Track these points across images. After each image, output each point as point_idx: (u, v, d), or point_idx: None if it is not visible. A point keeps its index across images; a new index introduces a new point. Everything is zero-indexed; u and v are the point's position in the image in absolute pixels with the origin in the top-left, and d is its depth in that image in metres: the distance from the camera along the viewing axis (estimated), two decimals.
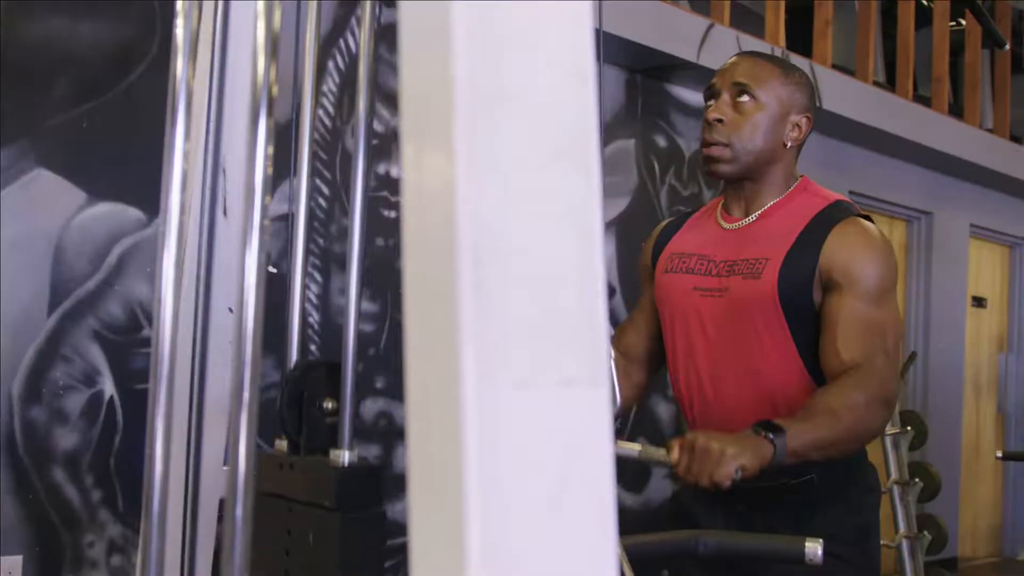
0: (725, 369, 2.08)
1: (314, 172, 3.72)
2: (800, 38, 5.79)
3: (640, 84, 4.83)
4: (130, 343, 3.25)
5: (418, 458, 0.60)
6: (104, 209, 3.21)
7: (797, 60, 5.18)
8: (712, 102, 2.13)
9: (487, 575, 0.56)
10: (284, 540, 1.17)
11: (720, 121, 2.08)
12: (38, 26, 3.10)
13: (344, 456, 1.14)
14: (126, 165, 3.21)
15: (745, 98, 2.08)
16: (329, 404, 1.23)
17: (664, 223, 2.37)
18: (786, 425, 1.82)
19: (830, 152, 5.86)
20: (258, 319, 0.85)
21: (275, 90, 0.88)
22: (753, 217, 2.13)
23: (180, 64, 1.00)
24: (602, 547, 0.60)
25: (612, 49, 4.44)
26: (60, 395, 3.12)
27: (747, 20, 5.59)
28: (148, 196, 3.20)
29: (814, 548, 1.35)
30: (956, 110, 6.86)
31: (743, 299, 2.05)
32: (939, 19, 6.41)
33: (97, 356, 3.20)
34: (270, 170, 0.87)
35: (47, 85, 3.13)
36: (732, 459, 1.73)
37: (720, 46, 4.67)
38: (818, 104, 5.22)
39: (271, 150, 0.88)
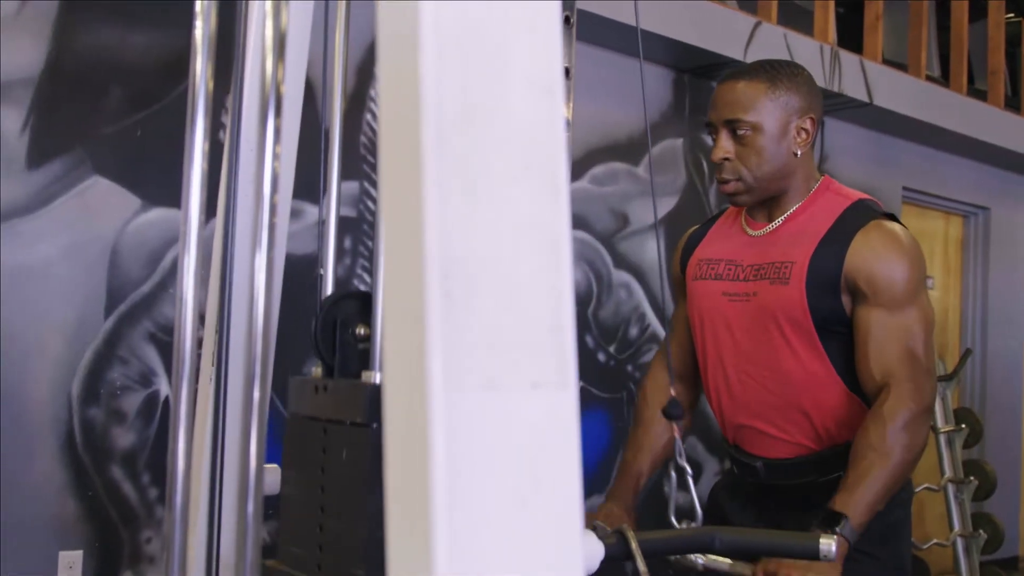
0: (753, 373, 2.10)
1: (363, 176, 3.78)
2: (851, 34, 5.75)
3: (687, 83, 4.83)
4: None
5: (393, 458, 0.64)
6: (158, 214, 3.30)
7: (847, 56, 5.15)
8: (713, 138, 2.13)
9: (454, 571, 0.59)
10: (319, 459, 1.21)
11: (727, 159, 2.09)
12: (92, 36, 3.20)
13: (376, 376, 1.18)
14: (179, 171, 3.28)
15: (741, 129, 2.07)
16: (361, 330, 1.28)
17: (689, 232, 2.38)
18: (844, 504, 1.90)
19: (884, 148, 5.81)
20: (269, 318, 0.89)
21: (283, 89, 0.92)
22: (778, 222, 2.14)
23: (199, 65, 1.03)
24: (568, 545, 0.64)
25: (659, 48, 4.45)
26: (117, 395, 3.21)
27: (796, 17, 5.56)
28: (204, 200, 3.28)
29: (828, 544, 1.36)
30: (1014, 104, 6.75)
31: (771, 304, 2.06)
32: (994, 11, 6.32)
33: (153, 357, 3.29)
34: (278, 169, 0.91)
35: (102, 94, 3.22)
36: None
37: (767, 44, 4.66)
38: (870, 101, 5.18)
39: (279, 149, 0.92)
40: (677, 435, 1.85)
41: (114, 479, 3.20)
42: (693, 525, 1.76)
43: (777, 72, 2.11)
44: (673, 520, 1.85)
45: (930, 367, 2.03)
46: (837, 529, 1.86)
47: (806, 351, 2.04)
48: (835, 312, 2.02)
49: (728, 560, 1.87)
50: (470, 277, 0.63)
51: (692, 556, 1.85)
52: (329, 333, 1.28)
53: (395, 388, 0.65)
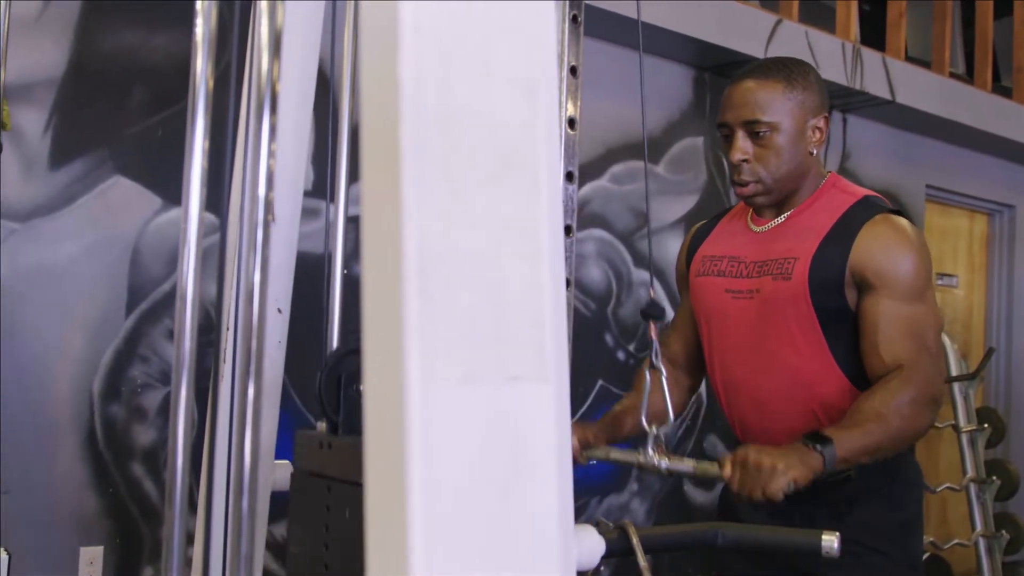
0: (759, 369, 2.10)
1: None
2: (874, 31, 5.71)
3: (708, 81, 4.82)
4: (205, 343, 3.36)
5: (371, 451, 0.65)
6: (179, 214, 3.32)
7: (870, 53, 5.12)
8: (730, 139, 2.11)
9: (430, 562, 0.60)
10: (323, 516, 1.21)
11: (745, 161, 2.08)
12: (114, 37, 3.23)
13: None
14: None
15: (760, 130, 2.05)
16: None
17: (695, 227, 2.39)
18: (833, 434, 1.87)
19: (907, 146, 5.78)
20: (263, 316, 0.90)
21: (279, 87, 0.93)
22: (782, 218, 2.14)
23: (200, 63, 1.03)
24: (548, 537, 0.64)
25: (679, 46, 4.45)
26: (138, 393, 3.24)
27: (818, 14, 5.54)
28: (215, 200, 3.30)
29: (830, 541, 1.36)
30: None
31: (775, 300, 2.05)
32: (1020, 8, 6.26)
33: (173, 355, 3.32)
34: (274, 167, 0.92)
35: (123, 95, 3.25)
36: (783, 473, 1.79)
37: (789, 42, 4.65)
38: (893, 99, 5.16)
39: (275, 147, 0.93)
40: (653, 335, 1.84)
41: (135, 476, 3.23)
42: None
43: (791, 71, 2.10)
44: (644, 422, 1.85)
45: (940, 364, 2.02)
46: (819, 447, 1.84)
47: (810, 348, 2.04)
48: (839, 308, 2.01)
49: (692, 461, 1.86)
50: (448, 273, 0.64)
51: (656, 460, 1.83)
52: (333, 389, 1.28)
53: (373, 382, 0.66)
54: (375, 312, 0.66)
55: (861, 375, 2.05)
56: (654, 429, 1.85)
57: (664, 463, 1.83)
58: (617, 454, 1.96)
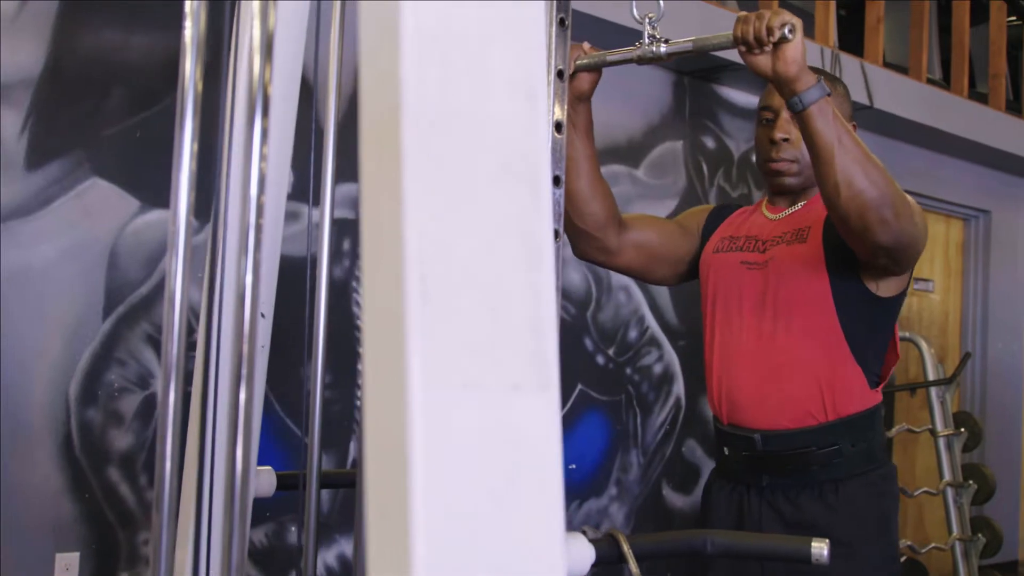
0: (766, 336, 2.14)
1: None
2: (852, 36, 5.75)
3: (687, 86, 4.83)
4: (187, 347, 3.34)
5: (372, 458, 0.64)
6: (157, 216, 3.30)
7: (848, 59, 5.15)
8: (772, 122, 2.23)
9: (431, 567, 0.59)
10: None
11: (786, 140, 2.20)
12: (92, 37, 3.20)
13: None
14: None
15: None
16: None
17: (715, 206, 2.47)
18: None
19: (884, 152, 5.80)
20: (255, 319, 0.89)
21: (270, 90, 0.92)
22: (798, 206, 2.25)
23: (188, 65, 1.02)
24: (547, 545, 0.63)
25: None
26: (115, 397, 3.21)
27: None
28: (200, 203, 3.28)
29: (820, 549, 1.36)
30: (1015, 107, 6.75)
31: (789, 264, 2.14)
32: (996, 14, 6.31)
33: (150, 359, 3.29)
34: (266, 170, 0.91)
35: (101, 96, 3.22)
36: (783, 15, 1.80)
37: None
38: (871, 104, 5.19)
39: (267, 150, 0.92)
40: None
41: (111, 481, 3.20)
42: None
43: (834, 80, 2.27)
44: (634, 13, 1.86)
45: (920, 232, 2.04)
46: (820, 76, 1.86)
47: (820, 316, 2.09)
48: (851, 263, 2.06)
49: (691, 38, 1.82)
50: (449, 279, 0.63)
51: (654, 48, 1.81)
52: None
53: (374, 388, 0.65)
54: (376, 317, 0.65)
55: (866, 351, 2.11)
56: (646, 20, 1.85)
57: (663, 48, 1.82)
58: (613, 55, 1.93)
